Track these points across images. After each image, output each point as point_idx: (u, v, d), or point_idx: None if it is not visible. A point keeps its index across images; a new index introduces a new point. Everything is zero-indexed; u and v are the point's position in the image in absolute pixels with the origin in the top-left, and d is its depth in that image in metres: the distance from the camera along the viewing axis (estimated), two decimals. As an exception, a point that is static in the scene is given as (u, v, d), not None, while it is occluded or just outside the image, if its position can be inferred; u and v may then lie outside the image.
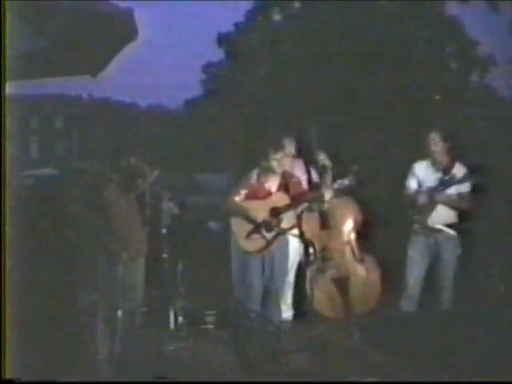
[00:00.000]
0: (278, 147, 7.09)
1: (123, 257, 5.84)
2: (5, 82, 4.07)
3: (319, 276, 7.23)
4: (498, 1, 15.28)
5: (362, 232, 7.43)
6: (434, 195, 6.90)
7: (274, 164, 7.03)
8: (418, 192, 7.02)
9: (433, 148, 6.98)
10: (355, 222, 7.40)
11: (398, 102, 14.68)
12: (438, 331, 6.17)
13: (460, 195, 6.91)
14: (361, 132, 14.05)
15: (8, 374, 3.83)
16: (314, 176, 7.54)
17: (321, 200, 7.03)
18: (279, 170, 7.09)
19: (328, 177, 7.27)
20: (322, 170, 7.39)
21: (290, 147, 7.45)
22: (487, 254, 7.85)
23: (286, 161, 7.36)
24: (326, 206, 7.11)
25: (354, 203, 7.42)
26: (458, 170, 6.92)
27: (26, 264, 5.95)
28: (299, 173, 7.49)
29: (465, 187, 6.93)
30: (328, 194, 6.95)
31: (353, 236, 7.38)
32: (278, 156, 7.02)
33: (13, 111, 4.99)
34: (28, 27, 4.63)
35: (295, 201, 7.04)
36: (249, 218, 6.97)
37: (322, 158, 7.43)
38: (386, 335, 6.44)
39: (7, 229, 3.91)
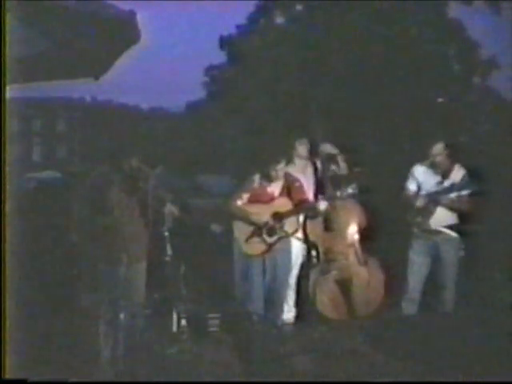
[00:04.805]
0: (279, 158, 7.11)
1: (124, 259, 5.84)
2: (5, 84, 4.07)
3: (322, 278, 7.24)
4: (499, 2, 15.29)
5: (365, 235, 7.43)
6: (432, 201, 6.90)
7: (273, 174, 7.05)
8: (417, 196, 7.02)
9: (437, 159, 6.97)
10: (359, 225, 7.41)
11: (400, 104, 14.69)
12: (439, 333, 6.18)
13: (460, 198, 6.90)
14: (363, 135, 14.06)
15: (9, 375, 3.83)
16: (321, 174, 7.55)
17: (316, 211, 7.09)
18: (280, 178, 7.11)
19: (338, 168, 7.37)
20: (327, 161, 7.44)
21: (303, 149, 7.47)
22: (489, 255, 7.84)
23: (297, 163, 7.41)
24: (322, 215, 7.18)
25: (358, 206, 7.42)
26: (457, 173, 6.92)
27: (27, 266, 5.96)
28: (308, 177, 7.51)
29: (463, 191, 6.93)
30: (323, 206, 7.02)
31: (356, 238, 7.39)
32: (281, 166, 7.04)
33: (15, 114, 5.00)
34: (30, 29, 4.63)
35: (296, 208, 7.06)
36: (250, 223, 6.99)
37: (328, 148, 7.47)
38: (389, 337, 6.45)
39: (9, 231, 3.91)
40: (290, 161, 7.30)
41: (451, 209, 6.95)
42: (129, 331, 5.82)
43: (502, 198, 8.05)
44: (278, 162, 7.06)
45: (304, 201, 7.18)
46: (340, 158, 7.52)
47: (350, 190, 6.95)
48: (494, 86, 17.47)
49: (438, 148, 6.93)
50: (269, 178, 7.09)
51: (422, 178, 7.07)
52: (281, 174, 7.09)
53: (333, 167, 7.49)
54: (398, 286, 7.24)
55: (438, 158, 6.94)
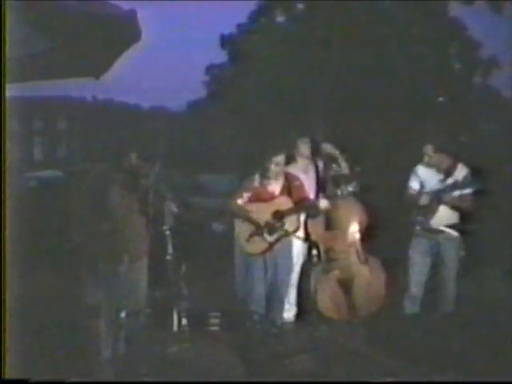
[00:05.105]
0: (278, 149, 7.09)
1: (125, 258, 5.84)
2: (5, 83, 4.06)
3: (323, 277, 7.24)
4: (501, 2, 15.29)
5: (366, 233, 7.43)
6: (435, 199, 6.90)
7: (271, 167, 7.02)
8: (419, 194, 7.02)
9: (431, 160, 6.98)
10: (360, 224, 7.41)
11: (401, 104, 14.68)
12: (440, 332, 6.18)
13: (462, 197, 6.90)
14: (364, 134, 14.05)
15: (9, 375, 3.83)
16: (322, 174, 7.56)
17: (316, 209, 7.09)
18: (278, 173, 7.08)
19: (338, 168, 7.37)
20: (328, 162, 7.45)
21: (305, 148, 7.48)
22: (490, 254, 7.85)
23: (299, 162, 7.42)
24: (322, 213, 7.19)
25: (359, 205, 7.42)
26: (460, 172, 6.92)
27: (28, 265, 5.95)
28: (310, 177, 7.51)
29: (467, 189, 6.92)
30: (324, 204, 7.02)
31: (357, 237, 7.38)
32: (279, 158, 7.02)
33: (16, 113, 4.99)
34: (30, 28, 4.63)
35: (297, 206, 7.06)
36: (251, 221, 6.98)
37: (329, 148, 7.49)
38: (390, 336, 6.45)
39: (10, 230, 3.91)
40: (290, 158, 7.30)
41: (453, 207, 6.95)
42: (129, 330, 5.82)
43: (503, 197, 8.05)
44: (277, 155, 7.03)
45: (304, 199, 7.18)
46: (341, 159, 7.52)
47: (350, 188, 6.96)
48: (494, 85, 17.49)
49: (427, 149, 6.95)
50: (266, 172, 7.07)
51: (424, 176, 7.06)
52: (279, 168, 7.06)
53: (334, 167, 7.49)
54: (399, 285, 7.24)
55: (430, 159, 6.95)
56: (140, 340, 5.93)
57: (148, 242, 6.13)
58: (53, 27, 4.71)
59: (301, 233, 7.33)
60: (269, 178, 7.07)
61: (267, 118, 16.24)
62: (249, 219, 6.99)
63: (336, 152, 7.54)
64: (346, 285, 7.19)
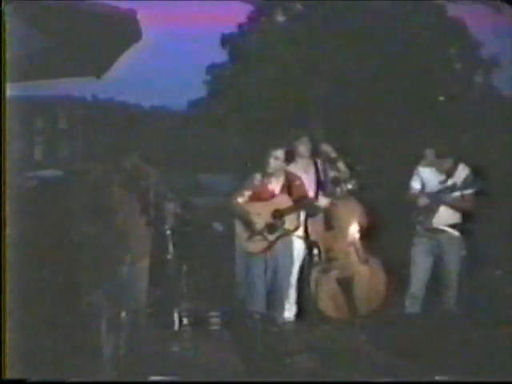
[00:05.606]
0: (277, 145, 7.09)
1: (127, 258, 5.83)
2: (5, 82, 4.07)
3: (324, 276, 7.23)
4: (501, 2, 15.27)
5: (367, 233, 7.42)
6: (436, 199, 6.90)
7: (271, 161, 7.01)
8: (421, 194, 7.02)
9: (428, 162, 7.01)
10: (360, 223, 7.40)
11: (402, 103, 14.67)
12: (441, 331, 6.17)
13: (463, 197, 6.90)
14: (364, 133, 14.04)
15: (9, 375, 3.83)
16: (322, 174, 7.56)
17: (315, 207, 7.08)
18: (278, 170, 7.07)
19: (335, 171, 7.37)
20: (327, 162, 7.45)
21: (303, 148, 7.48)
22: (491, 254, 7.84)
23: (299, 162, 7.41)
24: (321, 211, 7.18)
25: (359, 204, 7.42)
26: (462, 172, 6.92)
27: (28, 265, 5.95)
28: (310, 176, 7.51)
29: (468, 189, 6.92)
30: (322, 202, 7.01)
31: (357, 237, 7.38)
32: (278, 153, 7.02)
33: (16, 112, 4.99)
34: (31, 28, 4.63)
35: (296, 205, 7.05)
36: (251, 220, 6.98)
37: (328, 150, 7.49)
38: (390, 336, 6.44)
39: (10, 230, 3.91)
40: (290, 157, 7.28)
41: (455, 208, 6.95)
42: (130, 330, 5.82)
43: (504, 196, 8.04)
44: (276, 149, 7.03)
45: (304, 198, 7.18)
46: (340, 163, 7.51)
47: (349, 186, 6.96)
48: (495, 84, 17.45)
49: (429, 154, 6.97)
50: (266, 167, 7.06)
51: (426, 176, 7.08)
52: (278, 163, 7.05)
53: (332, 173, 7.48)
54: (399, 285, 7.24)
55: (432, 162, 6.97)
56: (141, 340, 5.92)
57: (149, 242, 6.13)
58: (54, 27, 4.71)
59: (301, 232, 7.32)
60: (269, 175, 7.06)
61: (267, 117, 16.23)
62: (248, 221, 6.98)
63: (334, 155, 7.53)
64: (346, 284, 7.19)
